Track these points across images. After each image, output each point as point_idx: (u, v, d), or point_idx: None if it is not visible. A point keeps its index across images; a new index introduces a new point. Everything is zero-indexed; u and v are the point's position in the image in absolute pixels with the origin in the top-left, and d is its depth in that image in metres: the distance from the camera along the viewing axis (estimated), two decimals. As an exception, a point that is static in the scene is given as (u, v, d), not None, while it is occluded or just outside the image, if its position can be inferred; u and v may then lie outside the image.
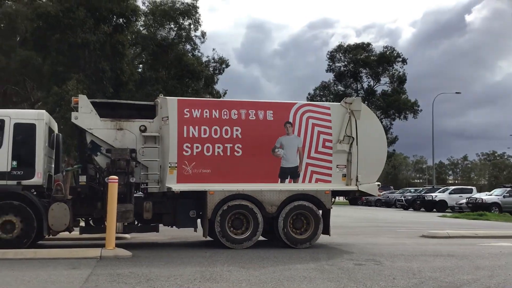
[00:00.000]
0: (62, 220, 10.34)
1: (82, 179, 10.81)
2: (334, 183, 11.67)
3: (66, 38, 25.87)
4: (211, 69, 39.09)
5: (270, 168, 11.34)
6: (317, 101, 50.33)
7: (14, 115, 10.65)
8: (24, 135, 10.46)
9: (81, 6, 25.96)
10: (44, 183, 10.67)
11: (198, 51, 38.80)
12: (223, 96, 39.92)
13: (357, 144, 11.80)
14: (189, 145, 10.96)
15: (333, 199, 12.00)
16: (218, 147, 11.10)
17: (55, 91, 24.74)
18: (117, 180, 10.00)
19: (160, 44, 34.86)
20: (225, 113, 11.27)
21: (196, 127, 11.04)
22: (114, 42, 27.51)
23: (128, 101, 13.48)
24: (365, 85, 58.71)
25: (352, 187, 11.81)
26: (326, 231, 11.70)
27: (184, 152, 10.91)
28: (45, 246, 10.98)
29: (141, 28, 36.73)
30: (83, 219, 11.40)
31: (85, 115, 10.94)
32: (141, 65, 37.98)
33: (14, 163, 10.28)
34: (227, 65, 40.25)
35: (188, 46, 37.99)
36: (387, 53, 56.85)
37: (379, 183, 12.27)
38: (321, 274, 8.11)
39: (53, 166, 11.53)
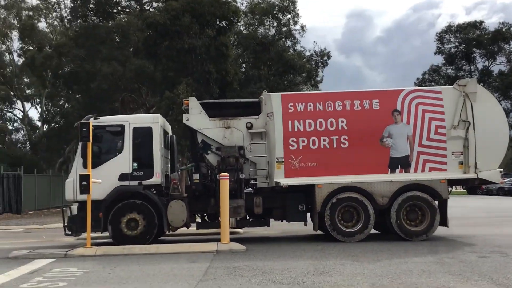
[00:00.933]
0: (180, 216, 10.95)
1: (196, 177, 11.36)
2: (450, 172, 11.04)
3: (174, 44, 27.27)
4: (313, 63, 38.96)
5: (378, 158, 11.03)
6: (427, 86, 47.69)
7: (132, 120, 11.49)
8: (142, 138, 11.24)
9: (187, 13, 27.18)
10: (162, 182, 11.37)
11: (299, 45, 38.92)
12: (321, 82, 39.94)
13: (474, 129, 11.06)
14: (295, 139, 11.01)
15: (449, 188, 11.34)
16: (324, 140, 11.02)
17: (167, 95, 26.20)
18: (228, 177, 10.36)
19: (261, 42, 35.45)
20: (329, 105, 11.15)
21: (301, 121, 11.06)
22: (218, 45, 28.44)
23: (234, 100, 13.88)
24: (479, 66, 54.47)
25: (471, 175, 11.08)
26: (444, 222, 11.08)
27: (290, 147, 10.99)
28: (166, 242, 11.70)
29: (242, 28, 37.60)
30: (199, 215, 11.97)
31: (195, 116, 11.48)
32: (243, 64, 38.91)
33: (135, 164, 11.08)
34: (329, 57, 39.89)
35: (288, 42, 38.20)
36: (503, 29, 52.18)
37: (501, 169, 11.34)
38: (441, 267, 7.71)
39: (169, 166, 12.23)
